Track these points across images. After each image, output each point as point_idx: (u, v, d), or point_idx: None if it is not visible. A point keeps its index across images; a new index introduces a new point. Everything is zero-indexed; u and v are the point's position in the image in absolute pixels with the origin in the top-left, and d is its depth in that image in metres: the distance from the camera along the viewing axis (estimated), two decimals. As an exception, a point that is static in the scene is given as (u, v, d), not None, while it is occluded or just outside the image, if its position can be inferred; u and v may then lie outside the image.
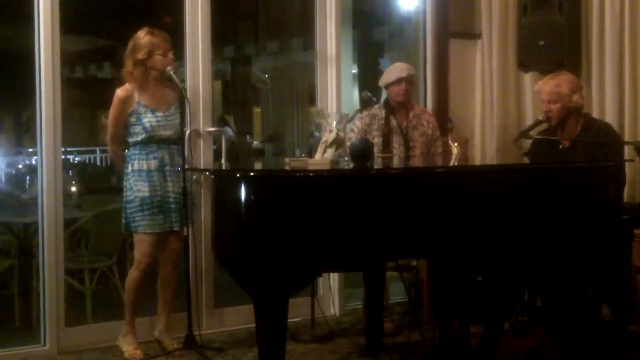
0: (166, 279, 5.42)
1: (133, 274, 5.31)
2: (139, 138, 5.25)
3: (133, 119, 5.25)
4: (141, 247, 5.26)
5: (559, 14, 6.19)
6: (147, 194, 5.20)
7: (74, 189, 6.68)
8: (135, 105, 5.24)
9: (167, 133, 5.30)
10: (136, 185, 5.21)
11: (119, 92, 5.27)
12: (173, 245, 5.38)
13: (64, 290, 5.53)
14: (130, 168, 5.25)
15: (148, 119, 5.24)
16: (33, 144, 5.47)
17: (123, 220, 5.28)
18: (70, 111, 5.71)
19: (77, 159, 10.24)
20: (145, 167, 5.23)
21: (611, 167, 4.90)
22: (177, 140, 5.36)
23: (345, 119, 4.80)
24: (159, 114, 5.28)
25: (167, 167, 5.28)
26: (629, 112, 5.99)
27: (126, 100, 5.24)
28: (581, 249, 4.57)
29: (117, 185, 5.44)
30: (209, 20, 5.95)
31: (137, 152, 5.26)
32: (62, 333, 5.46)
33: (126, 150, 5.38)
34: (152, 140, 5.25)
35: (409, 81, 5.66)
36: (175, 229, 5.31)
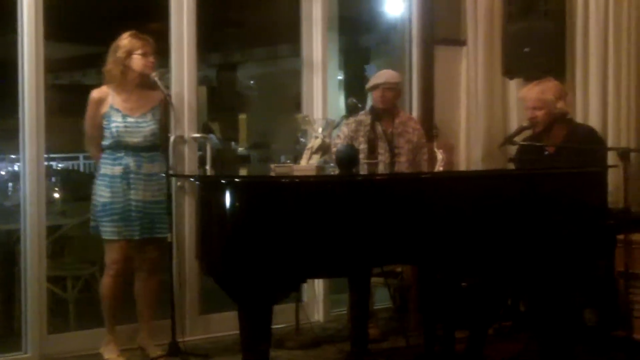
0: (141, 287, 5.39)
1: (105, 281, 5.30)
2: (107, 142, 5.23)
3: (105, 122, 5.22)
4: (108, 252, 5.25)
5: (545, 22, 6.21)
6: (107, 200, 5.17)
7: (57, 195, 6.63)
8: (108, 108, 5.22)
9: (134, 140, 5.23)
10: (100, 190, 5.19)
11: (93, 93, 5.26)
12: (149, 254, 5.34)
13: (47, 298, 5.50)
14: (99, 172, 5.24)
15: (116, 124, 5.20)
16: (16, 150, 5.42)
17: (92, 223, 5.27)
18: (53, 118, 5.67)
19: (60, 165, 10.18)
20: (109, 172, 5.19)
21: (597, 173, 4.92)
22: (148, 147, 5.29)
23: (331, 126, 4.80)
24: (130, 119, 5.23)
25: (132, 175, 5.21)
26: (612, 118, 6.02)
27: (99, 102, 5.23)
28: (566, 255, 4.57)
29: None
30: (195, 26, 5.93)
31: (105, 156, 5.23)
32: (45, 340, 5.41)
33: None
34: (119, 146, 5.21)
35: (388, 88, 5.66)
36: (135, 237, 5.23)
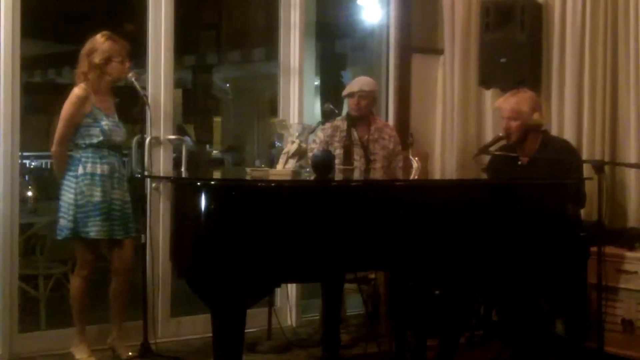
0: (118, 289, 5.34)
1: (76, 282, 5.24)
2: (94, 140, 5.15)
3: (90, 120, 5.15)
4: (83, 252, 5.20)
5: (521, 32, 6.24)
6: (99, 199, 5.11)
7: (30, 194, 6.58)
8: (92, 107, 5.16)
9: (118, 139, 5.25)
10: (89, 190, 5.10)
11: (77, 90, 5.15)
12: (124, 255, 5.31)
13: (18, 296, 5.47)
14: (81, 170, 5.11)
15: (105, 122, 5.17)
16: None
17: (69, 225, 5.09)
18: (27, 116, 5.62)
19: (33, 163, 10.10)
20: (99, 171, 5.13)
21: (569, 184, 4.96)
22: (122, 149, 5.35)
23: (307, 130, 4.81)
24: (112, 119, 5.23)
25: (116, 174, 5.20)
26: (587, 130, 6.06)
27: (84, 101, 5.14)
28: (538, 265, 4.61)
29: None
30: (172, 28, 5.92)
31: (89, 155, 5.14)
32: (16, 339, 5.38)
33: (71, 153, 5.22)
34: (105, 145, 5.17)
35: (362, 96, 5.66)
36: (118, 237, 5.20)
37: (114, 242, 5.25)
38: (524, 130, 5.37)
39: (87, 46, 5.21)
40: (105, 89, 5.26)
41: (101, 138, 5.15)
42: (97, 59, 5.16)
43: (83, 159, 5.15)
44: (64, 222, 5.13)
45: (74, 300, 5.24)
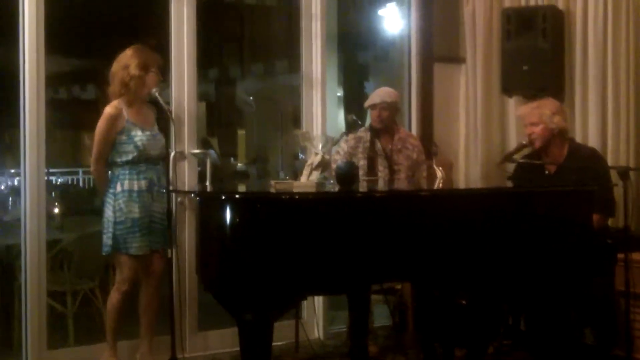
0: (149, 302, 5.35)
1: (114, 297, 5.25)
2: (129, 157, 5.17)
3: (124, 137, 5.17)
4: (126, 269, 5.20)
5: (543, 40, 6.22)
6: (137, 215, 5.13)
7: (56, 210, 6.62)
8: (126, 123, 5.17)
9: (155, 152, 5.25)
10: (127, 206, 5.12)
11: (109, 109, 5.17)
12: (156, 267, 5.32)
13: (46, 313, 5.49)
14: (119, 188, 5.15)
15: (139, 137, 5.18)
16: (16, 164, 5.42)
17: (109, 242, 5.15)
18: (53, 132, 5.66)
19: (60, 180, 10.18)
20: (136, 187, 5.16)
21: (596, 192, 4.93)
22: (161, 160, 5.32)
23: (330, 142, 4.81)
24: (148, 132, 5.23)
25: (156, 187, 5.22)
26: (611, 136, 6.04)
27: (116, 118, 5.15)
28: (565, 274, 4.58)
29: (100, 207, 5.43)
30: (195, 41, 5.94)
31: (126, 171, 5.17)
32: (44, 355, 5.40)
33: (110, 171, 5.28)
34: (141, 160, 5.18)
35: (383, 108, 5.65)
36: (159, 248, 5.22)
37: (151, 255, 5.26)
38: (548, 136, 5.35)
39: (120, 61, 5.23)
40: (141, 102, 5.26)
41: (135, 154, 5.17)
42: (135, 70, 5.18)
43: (120, 176, 5.17)
44: (106, 238, 5.18)
45: (110, 314, 5.25)
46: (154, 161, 5.26)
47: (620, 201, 5.07)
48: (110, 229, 5.15)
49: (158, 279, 5.35)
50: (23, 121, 5.35)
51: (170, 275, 5.38)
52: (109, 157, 5.23)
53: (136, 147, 5.17)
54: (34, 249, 5.35)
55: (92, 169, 5.36)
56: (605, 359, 5.23)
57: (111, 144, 5.20)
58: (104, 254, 5.26)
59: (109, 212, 5.17)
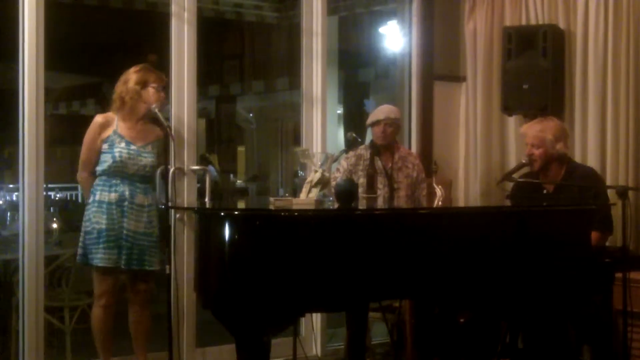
0: (136, 320, 5.33)
1: (95, 312, 5.22)
2: (105, 167, 5.17)
3: (105, 147, 5.18)
4: (98, 282, 5.19)
5: (543, 59, 6.23)
6: (104, 227, 5.11)
7: (55, 225, 6.61)
8: (112, 133, 5.19)
9: (133, 168, 5.22)
10: (95, 217, 5.12)
11: (97, 117, 5.24)
12: (139, 286, 5.29)
13: (44, 328, 5.47)
14: (92, 198, 5.16)
15: (120, 150, 5.17)
16: (14, 180, 5.42)
17: (80, 251, 5.18)
18: (52, 147, 5.66)
19: (58, 195, 10.18)
20: (106, 199, 5.14)
21: (594, 211, 4.93)
22: (143, 179, 5.28)
23: (330, 159, 4.80)
24: (133, 147, 5.21)
25: (126, 203, 5.18)
26: (610, 155, 6.04)
27: (103, 126, 5.19)
28: (563, 291, 4.57)
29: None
30: (195, 58, 5.95)
31: (101, 182, 5.18)
32: (41, 372, 5.39)
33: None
34: (116, 172, 5.17)
35: (388, 124, 5.67)
36: (127, 267, 5.17)
37: (130, 273, 5.24)
38: (547, 159, 5.37)
39: (122, 78, 5.27)
40: (138, 117, 5.26)
41: (111, 164, 5.16)
42: (131, 84, 5.20)
43: (97, 186, 5.19)
44: (79, 248, 5.22)
45: (95, 331, 5.23)
46: (130, 177, 5.23)
47: (619, 220, 5.06)
48: (81, 239, 5.19)
49: (143, 298, 5.32)
50: (22, 137, 5.34)
51: (169, 292, 5.38)
52: (94, 166, 5.24)
53: (113, 158, 5.16)
54: (31, 264, 5.33)
55: (78, 176, 5.39)
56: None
57: (97, 152, 5.21)
58: (77, 262, 5.30)
59: (83, 222, 5.21)
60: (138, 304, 5.31)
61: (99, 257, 5.11)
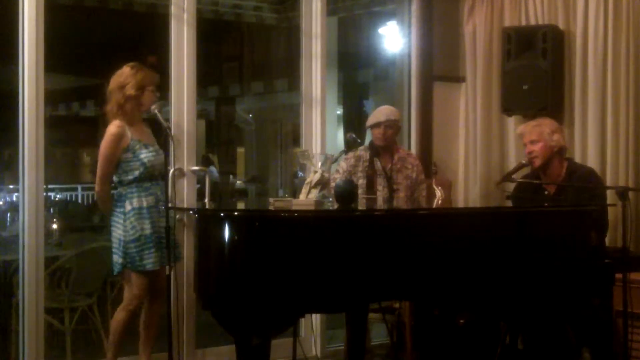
0: (152, 317, 5.32)
1: (121, 315, 5.19)
2: (136, 174, 5.13)
3: (129, 155, 5.13)
4: (137, 286, 5.15)
5: (543, 59, 6.23)
6: (149, 231, 5.10)
7: (55, 227, 6.62)
8: (130, 141, 5.15)
9: (159, 169, 5.24)
10: (140, 224, 5.09)
11: (113, 128, 5.12)
12: (162, 283, 5.30)
13: (44, 330, 5.47)
14: (129, 207, 5.10)
15: (145, 154, 5.15)
16: (14, 181, 5.41)
17: (120, 260, 5.09)
18: (52, 149, 5.65)
19: (58, 196, 10.18)
20: (145, 204, 5.12)
21: (593, 212, 4.93)
22: (163, 177, 5.31)
23: (330, 160, 4.81)
24: (151, 148, 5.22)
25: (160, 203, 5.18)
26: (610, 156, 6.04)
27: (121, 137, 5.12)
28: (563, 293, 4.57)
29: (98, 223, 5.39)
30: (195, 59, 5.94)
31: (134, 189, 5.13)
32: (41, 373, 5.39)
33: (116, 190, 5.23)
34: (148, 177, 5.17)
35: (388, 126, 5.67)
36: (165, 264, 5.14)
37: (157, 271, 5.22)
38: (547, 154, 5.37)
39: (116, 80, 5.20)
40: (138, 119, 5.26)
41: (142, 171, 5.14)
42: (131, 90, 5.15)
43: (129, 195, 5.14)
44: (117, 257, 5.13)
45: (115, 332, 5.19)
46: (156, 178, 5.24)
47: (619, 221, 5.06)
48: (122, 248, 5.09)
49: (164, 295, 5.33)
50: (22, 138, 5.34)
51: (169, 293, 5.37)
52: (113, 176, 5.20)
53: (143, 164, 5.15)
54: (32, 266, 5.33)
55: (97, 189, 5.26)
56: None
57: (115, 163, 5.16)
58: (114, 273, 5.23)
59: (118, 232, 5.12)
60: (158, 303, 5.29)
61: (152, 262, 5.11)
